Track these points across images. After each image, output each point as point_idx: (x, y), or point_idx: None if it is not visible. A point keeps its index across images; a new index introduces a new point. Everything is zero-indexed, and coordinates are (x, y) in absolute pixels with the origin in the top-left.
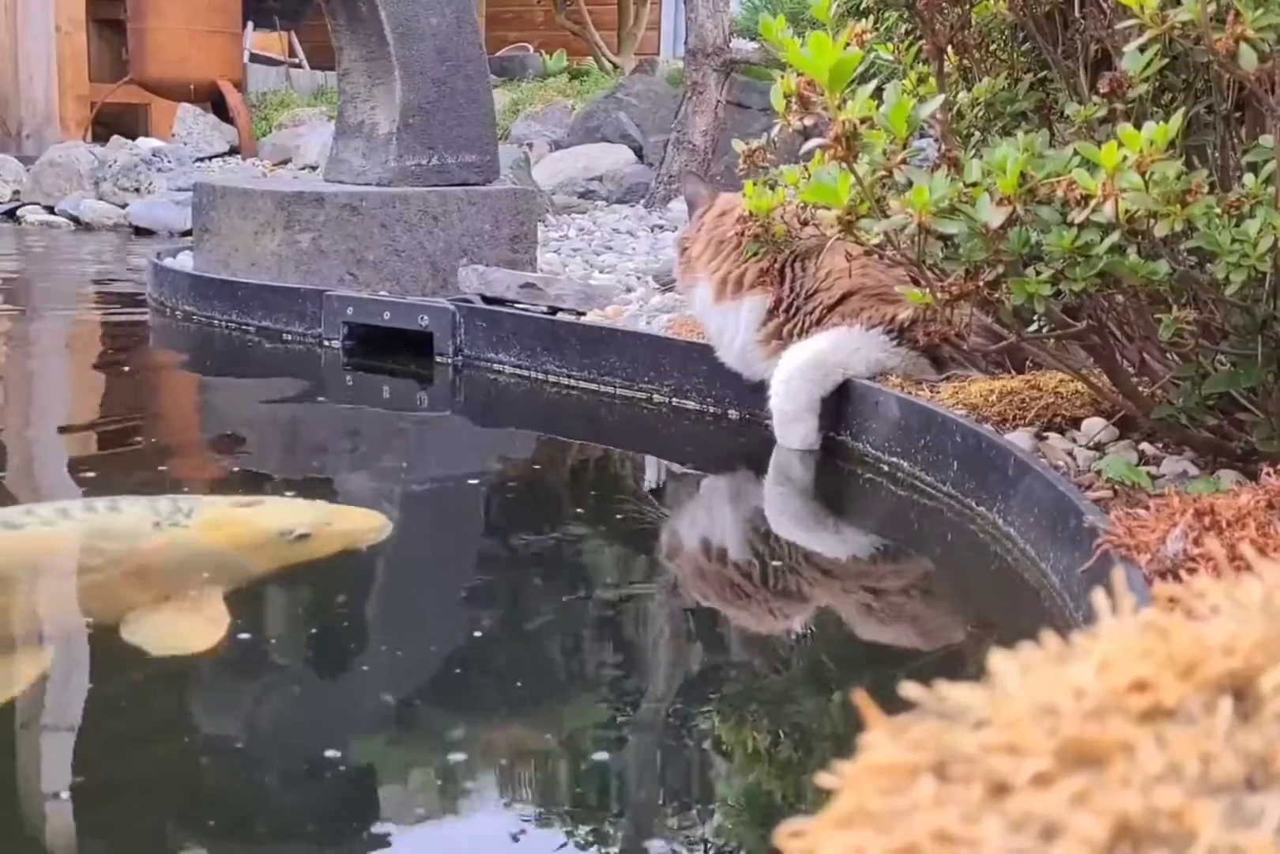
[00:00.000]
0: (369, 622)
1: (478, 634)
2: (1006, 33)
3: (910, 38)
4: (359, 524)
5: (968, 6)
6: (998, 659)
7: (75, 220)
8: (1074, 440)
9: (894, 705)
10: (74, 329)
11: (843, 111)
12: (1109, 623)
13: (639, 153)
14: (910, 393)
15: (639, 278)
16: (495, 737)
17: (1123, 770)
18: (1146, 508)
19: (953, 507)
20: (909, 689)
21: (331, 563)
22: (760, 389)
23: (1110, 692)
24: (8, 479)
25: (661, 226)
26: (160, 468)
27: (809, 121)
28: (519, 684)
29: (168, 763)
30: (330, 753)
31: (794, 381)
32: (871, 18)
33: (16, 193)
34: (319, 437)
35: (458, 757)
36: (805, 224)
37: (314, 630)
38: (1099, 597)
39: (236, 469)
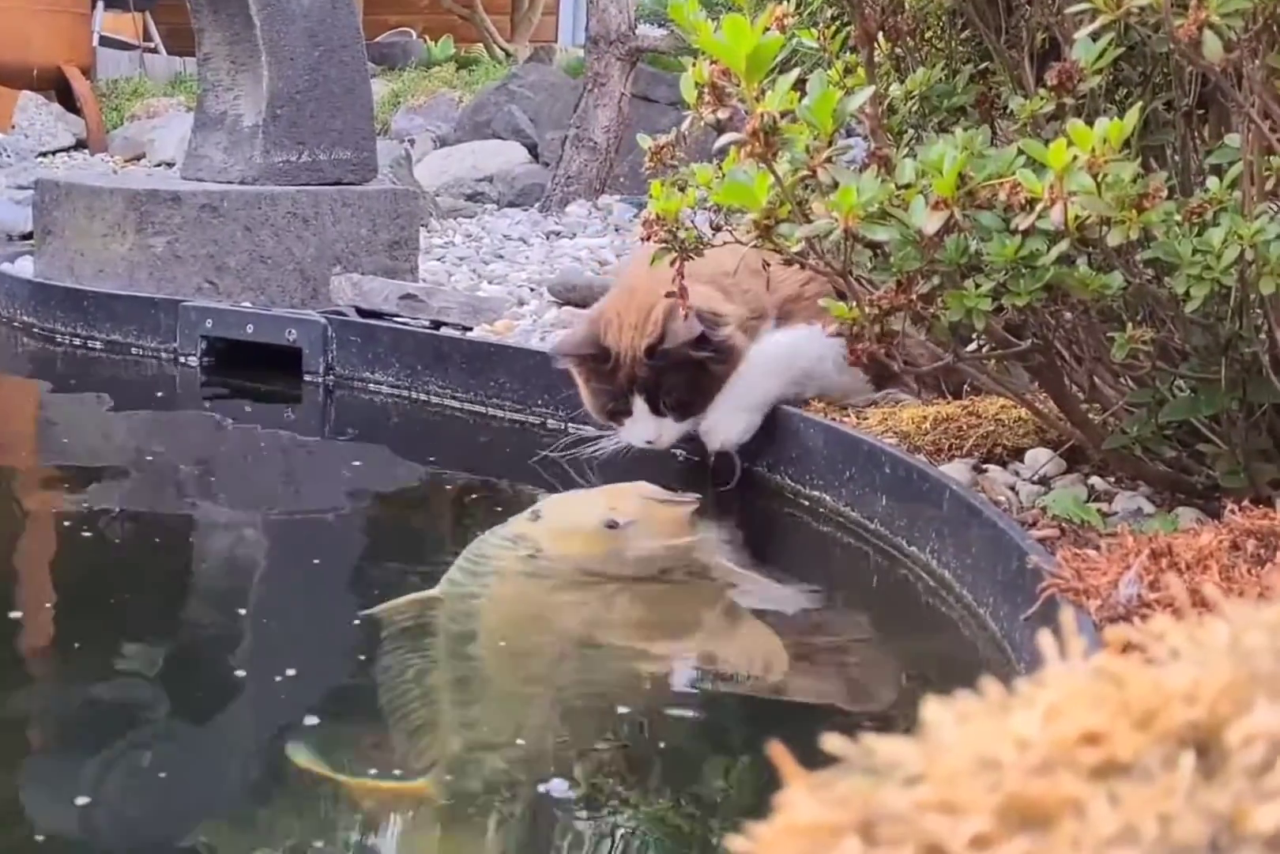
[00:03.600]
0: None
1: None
2: (944, 18)
3: (837, 23)
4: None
5: None
6: (932, 709)
7: None
8: (1016, 473)
9: (815, 760)
10: None
11: (761, 103)
12: (1056, 668)
13: (533, 151)
14: (834, 419)
15: (532, 289)
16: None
17: (1072, 832)
18: (1097, 548)
19: (881, 546)
20: (832, 742)
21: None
22: None
23: (1058, 744)
24: None
25: (558, 233)
26: None
27: (723, 114)
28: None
29: None
30: None
31: (767, 366)
32: (794, 0)
33: None
34: (169, 466)
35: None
36: (718, 229)
37: None
38: (1045, 639)
39: (76, 501)
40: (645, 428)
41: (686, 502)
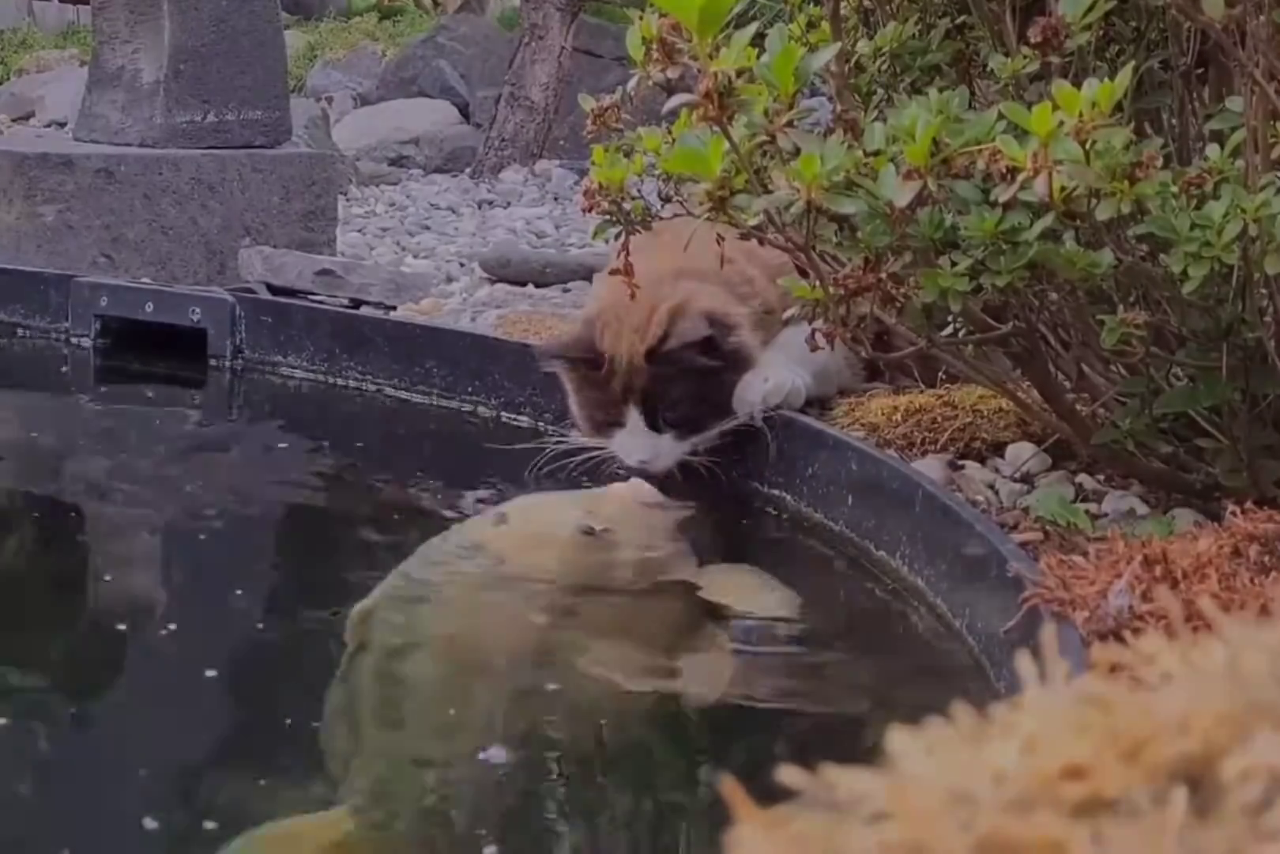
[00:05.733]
0: None
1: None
2: None
3: None
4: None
5: None
6: (899, 738)
7: None
8: (996, 470)
9: (770, 794)
10: None
11: (715, 61)
12: (1036, 693)
13: (464, 111)
14: (795, 410)
15: (462, 264)
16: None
17: None
18: (1085, 554)
19: (847, 551)
20: (789, 774)
21: None
22: None
23: (1038, 778)
24: None
25: (491, 202)
26: None
27: (673, 73)
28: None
29: None
30: None
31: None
32: None
33: None
34: (52, 463)
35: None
36: (667, 200)
37: None
38: (1024, 660)
39: None
40: (639, 445)
41: (674, 506)
